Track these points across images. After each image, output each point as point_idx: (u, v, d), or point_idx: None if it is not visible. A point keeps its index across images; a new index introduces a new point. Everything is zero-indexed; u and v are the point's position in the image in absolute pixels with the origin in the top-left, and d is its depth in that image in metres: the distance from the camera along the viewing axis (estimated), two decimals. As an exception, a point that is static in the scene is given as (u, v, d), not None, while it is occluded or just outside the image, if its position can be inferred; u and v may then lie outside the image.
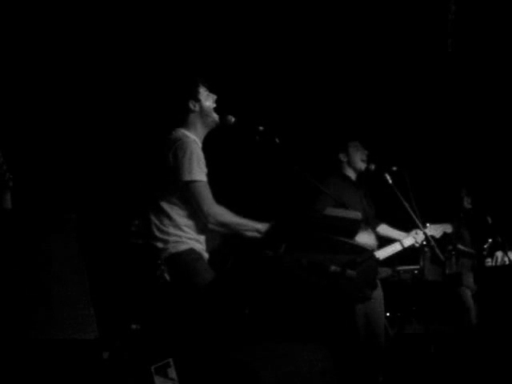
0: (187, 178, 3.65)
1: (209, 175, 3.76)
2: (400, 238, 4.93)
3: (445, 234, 4.95)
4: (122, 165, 5.44)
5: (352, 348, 4.22)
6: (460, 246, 5.35)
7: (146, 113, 5.42)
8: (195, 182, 3.66)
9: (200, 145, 3.85)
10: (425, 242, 4.66)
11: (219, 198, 3.74)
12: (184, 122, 3.88)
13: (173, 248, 3.68)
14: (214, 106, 3.91)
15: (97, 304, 3.30)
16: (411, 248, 4.90)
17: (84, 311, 3.06)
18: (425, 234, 4.65)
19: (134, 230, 4.27)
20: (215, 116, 3.90)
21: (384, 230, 5.09)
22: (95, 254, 4.24)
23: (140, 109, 5.53)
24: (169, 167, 3.70)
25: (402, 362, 4.64)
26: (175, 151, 3.69)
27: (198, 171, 3.67)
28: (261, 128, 4.01)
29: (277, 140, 4.01)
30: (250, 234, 3.74)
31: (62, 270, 3.13)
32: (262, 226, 3.69)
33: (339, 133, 5.53)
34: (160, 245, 3.69)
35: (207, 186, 3.71)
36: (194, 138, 3.83)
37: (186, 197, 3.69)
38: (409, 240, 4.90)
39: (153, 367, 3.25)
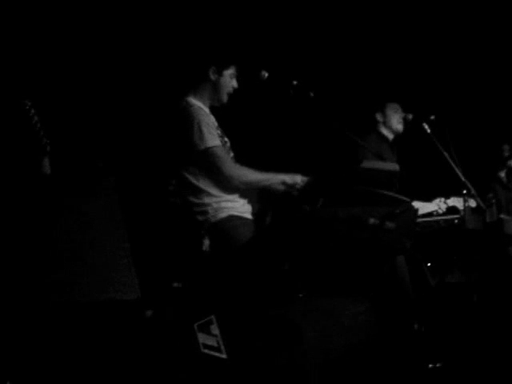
0: (201, 146, 3.64)
1: (242, 132, 3.74)
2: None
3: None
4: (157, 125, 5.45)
5: (391, 299, 4.22)
6: (503, 216, 5.28)
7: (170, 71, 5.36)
8: (210, 148, 3.64)
9: (207, 110, 3.81)
10: (465, 191, 4.60)
11: (253, 156, 3.73)
12: (193, 88, 3.83)
13: (213, 217, 3.69)
14: (231, 90, 3.85)
15: (138, 264, 3.34)
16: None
17: (125, 272, 3.10)
18: (464, 184, 4.59)
19: (172, 190, 4.29)
20: (225, 98, 3.84)
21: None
22: (135, 214, 4.28)
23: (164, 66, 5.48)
24: (180, 141, 3.68)
25: (443, 311, 4.63)
26: (181, 125, 3.67)
27: (209, 137, 3.65)
28: (295, 82, 3.97)
29: (311, 94, 3.98)
30: (277, 187, 3.72)
31: (103, 233, 3.16)
32: (288, 177, 3.68)
33: (375, 93, 5.45)
34: (199, 217, 3.70)
35: (223, 150, 3.69)
36: (198, 104, 3.78)
37: (205, 165, 3.67)
38: (432, 207, 4.83)
39: (196, 324, 3.29)
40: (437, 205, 4.84)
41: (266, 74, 3.93)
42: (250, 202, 3.86)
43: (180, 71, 4.07)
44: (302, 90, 3.96)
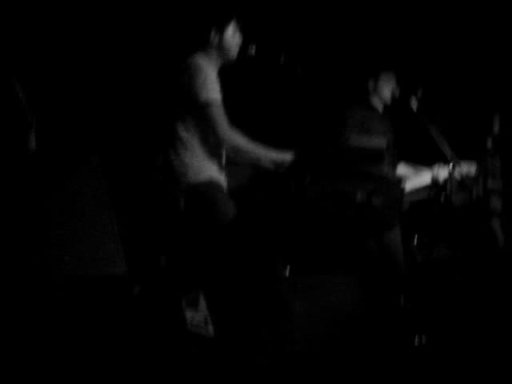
0: (202, 99, 3.61)
1: (230, 107, 3.72)
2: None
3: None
4: (145, 101, 5.41)
5: (379, 274, 4.24)
6: (490, 184, 5.28)
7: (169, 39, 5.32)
8: (210, 103, 3.61)
9: (215, 72, 3.80)
10: (451, 168, 4.60)
11: (241, 129, 3.71)
12: (201, 49, 3.82)
13: (191, 179, 3.67)
14: (237, 44, 3.83)
15: (125, 239, 3.34)
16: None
17: (112, 247, 3.10)
18: (452, 157, 4.59)
19: (159, 166, 4.27)
20: (233, 54, 3.83)
21: (402, 168, 5.00)
22: (122, 190, 4.26)
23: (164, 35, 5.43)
24: (184, 90, 3.66)
25: (429, 287, 4.66)
26: (190, 73, 3.64)
27: (212, 93, 3.63)
28: (283, 57, 3.95)
29: (300, 69, 3.96)
30: (266, 165, 3.72)
31: (89, 209, 3.16)
32: (278, 157, 3.66)
33: (369, 60, 5.41)
34: (179, 176, 3.68)
35: (222, 109, 3.66)
36: (209, 63, 3.77)
37: (202, 119, 3.65)
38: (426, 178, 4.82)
39: (183, 300, 3.30)
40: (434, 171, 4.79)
41: (254, 48, 3.91)
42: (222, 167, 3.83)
43: (181, 41, 4.03)
44: (291, 64, 3.94)
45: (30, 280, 2.95)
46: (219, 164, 3.77)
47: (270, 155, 3.65)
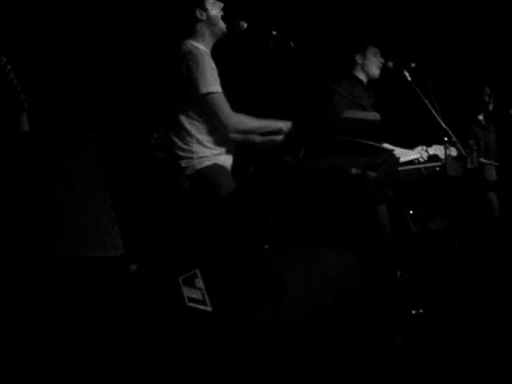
0: (203, 90, 3.63)
1: (222, 84, 3.73)
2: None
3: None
4: (137, 78, 5.39)
5: (374, 247, 4.26)
6: (483, 160, 5.29)
7: (155, 25, 5.33)
8: (211, 93, 3.64)
9: (209, 54, 3.81)
10: (446, 139, 4.61)
11: (235, 106, 3.72)
12: (192, 32, 3.82)
13: (197, 164, 3.71)
14: (222, 14, 3.84)
15: (121, 220, 3.33)
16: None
17: (108, 228, 3.10)
18: (445, 131, 4.59)
19: (154, 143, 4.27)
20: (223, 25, 3.84)
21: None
22: (116, 170, 4.26)
23: (149, 20, 5.43)
24: (183, 81, 3.67)
25: (425, 258, 4.68)
26: (188, 65, 3.66)
27: (212, 82, 3.65)
28: (274, 32, 3.94)
29: (291, 44, 3.95)
30: (269, 139, 3.74)
31: (84, 189, 3.15)
32: (285, 124, 3.70)
33: (356, 35, 5.39)
34: (184, 162, 3.71)
35: (223, 96, 3.69)
36: (203, 48, 3.78)
37: (204, 110, 3.68)
38: (414, 154, 4.83)
39: (180, 278, 3.31)
40: (418, 153, 4.85)
41: (245, 25, 3.90)
42: (229, 153, 3.86)
43: (173, 20, 4.02)
44: (282, 40, 3.93)
45: (24, 263, 2.95)
46: (226, 151, 3.79)
47: (277, 125, 3.70)
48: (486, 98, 5.94)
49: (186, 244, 3.62)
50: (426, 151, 4.80)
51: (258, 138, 3.84)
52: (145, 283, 3.30)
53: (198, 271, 3.28)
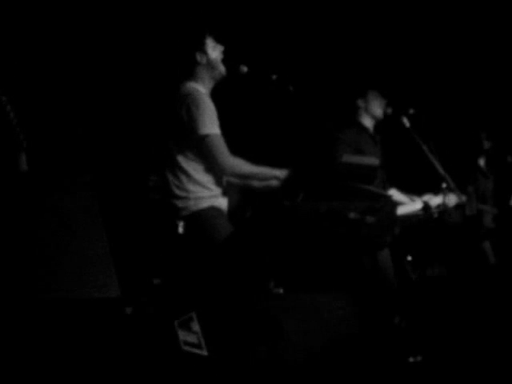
0: (202, 132, 3.64)
1: (222, 126, 3.74)
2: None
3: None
4: (135, 120, 5.42)
5: (372, 293, 4.23)
6: (481, 206, 5.29)
7: (155, 66, 5.36)
8: (209, 135, 3.64)
9: (209, 96, 3.82)
10: (444, 185, 4.61)
11: (233, 150, 3.72)
12: (192, 74, 3.84)
13: (194, 206, 3.69)
14: (222, 57, 3.86)
15: (118, 261, 3.31)
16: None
17: (105, 270, 3.07)
18: (444, 177, 4.59)
19: (152, 185, 4.27)
20: (222, 68, 3.86)
21: (394, 194, 4.98)
22: (114, 211, 4.24)
23: (149, 62, 5.47)
24: (183, 123, 3.68)
25: (424, 305, 4.64)
26: (188, 106, 3.67)
27: (211, 124, 3.66)
28: (274, 77, 3.97)
29: (291, 88, 3.97)
30: (266, 184, 3.75)
31: (81, 230, 3.13)
32: (281, 173, 3.70)
33: (356, 81, 5.43)
34: (180, 203, 3.69)
35: (222, 139, 3.69)
36: (203, 90, 3.80)
37: (202, 151, 3.68)
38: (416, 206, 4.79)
39: (176, 321, 3.27)
40: (422, 204, 4.78)
41: (245, 69, 3.92)
42: (227, 195, 3.86)
43: (173, 63, 4.05)
44: (282, 84, 3.95)
45: (19, 301, 2.92)
46: (221, 191, 3.78)
47: (273, 173, 3.70)
48: (484, 144, 5.97)
49: (182, 287, 3.59)
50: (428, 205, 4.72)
51: (256, 183, 3.85)
52: (140, 326, 3.26)
53: (194, 314, 3.24)
